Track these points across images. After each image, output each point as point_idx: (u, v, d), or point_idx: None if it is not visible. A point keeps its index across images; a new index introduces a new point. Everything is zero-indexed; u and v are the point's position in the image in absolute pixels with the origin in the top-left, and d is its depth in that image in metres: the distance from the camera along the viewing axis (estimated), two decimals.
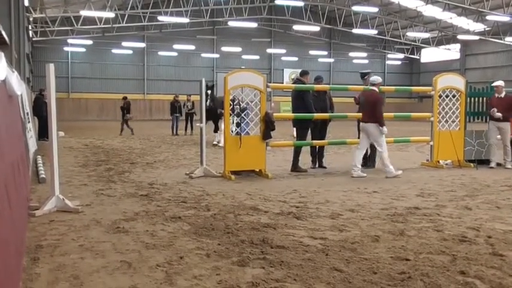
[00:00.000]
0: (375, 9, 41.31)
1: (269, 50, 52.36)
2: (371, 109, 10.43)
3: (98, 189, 8.47)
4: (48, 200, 6.67)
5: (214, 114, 16.76)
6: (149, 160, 12.93)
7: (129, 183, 9.11)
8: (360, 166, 10.46)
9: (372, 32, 47.22)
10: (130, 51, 48.05)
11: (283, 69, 53.42)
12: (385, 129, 10.33)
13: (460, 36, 46.02)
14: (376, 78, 10.82)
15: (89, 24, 40.91)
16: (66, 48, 46.05)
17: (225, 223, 5.96)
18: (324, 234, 5.51)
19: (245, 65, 47.43)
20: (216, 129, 17.60)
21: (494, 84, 11.91)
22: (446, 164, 11.96)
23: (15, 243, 3.84)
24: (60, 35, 42.91)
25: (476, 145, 12.07)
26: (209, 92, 16.71)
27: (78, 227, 5.78)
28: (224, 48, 49.99)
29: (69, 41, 44.74)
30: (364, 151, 10.83)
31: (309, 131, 11.45)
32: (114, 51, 47.67)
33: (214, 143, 17.26)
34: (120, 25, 42.14)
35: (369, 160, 11.61)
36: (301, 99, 11.02)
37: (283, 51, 51.99)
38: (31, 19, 34.94)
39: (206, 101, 15.95)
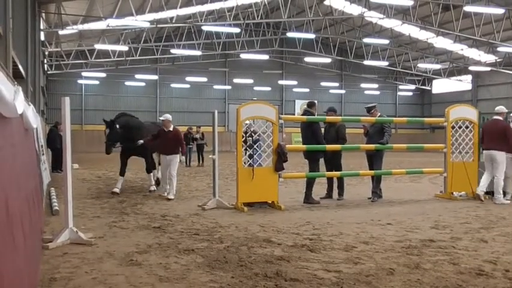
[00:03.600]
0: (385, 41, 41.57)
1: (281, 82, 52.72)
2: (500, 137, 10.58)
3: (110, 221, 8.47)
4: (61, 232, 6.68)
5: (144, 148, 12.99)
6: (162, 192, 12.92)
7: (142, 215, 9.11)
8: (502, 192, 10.67)
9: (383, 63, 47.47)
10: (143, 84, 48.54)
11: (294, 101, 53.62)
12: None
13: (471, 68, 46.07)
14: (501, 108, 11.08)
15: (102, 57, 41.57)
16: (80, 81, 46.64)
17: (238, 256, 5.93)
18: (338, 267, 5.45)
19: (257, 97, 47.78)
20: (150, 170, 13.48)
21: None
22: (460, 196, 11.81)
23: (29, 276, 3.84)
24: (74, 68, 43.59)
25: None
26: (107, 131, 13.48)
27: (92, 260, 5.77)
28: (236, 80, 50.39)
29: (83, 73, 45.36)
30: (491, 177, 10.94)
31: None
32: (127, 83, 48.15)
33: (151, 189, 13.17)
34: (133, 58, 42.77)
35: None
36: (310, 130, 11.07)
37: (295, 82, 52.34)
38: (46, 53, 35.64)
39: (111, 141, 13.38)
